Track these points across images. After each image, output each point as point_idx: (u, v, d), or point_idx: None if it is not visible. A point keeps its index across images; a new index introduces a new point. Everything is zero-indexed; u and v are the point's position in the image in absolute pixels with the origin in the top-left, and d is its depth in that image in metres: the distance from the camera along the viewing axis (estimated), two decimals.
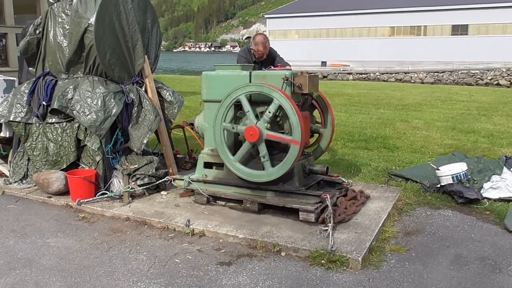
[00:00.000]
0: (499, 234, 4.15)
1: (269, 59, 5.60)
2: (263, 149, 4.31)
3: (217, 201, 4.76)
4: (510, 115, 11.60)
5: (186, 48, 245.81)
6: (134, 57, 5.53)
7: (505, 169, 5.53)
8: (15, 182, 5.40)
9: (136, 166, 5.03)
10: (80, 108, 4.98)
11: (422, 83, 32.05)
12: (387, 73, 36.17)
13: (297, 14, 49.76)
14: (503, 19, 39.79)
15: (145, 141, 5.27)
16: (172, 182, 5.07)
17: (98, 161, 5.03)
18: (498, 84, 30.47)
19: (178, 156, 6.10)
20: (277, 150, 4.52)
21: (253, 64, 5.24)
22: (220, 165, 4.74)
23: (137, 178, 4.98)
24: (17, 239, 4.08)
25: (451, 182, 5.12)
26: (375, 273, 3.43)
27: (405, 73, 35.67)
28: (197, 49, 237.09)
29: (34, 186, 5.27)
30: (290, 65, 5.49)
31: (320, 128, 5.08)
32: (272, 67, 5.24)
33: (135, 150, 5.20)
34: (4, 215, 4.65)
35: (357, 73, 37.11)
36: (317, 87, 4.69)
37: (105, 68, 5.21)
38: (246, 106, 4.35)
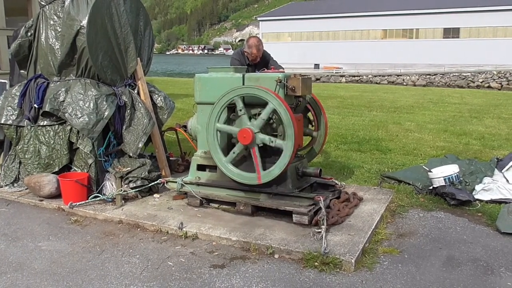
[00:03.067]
0: (491, 236, 4.18)
1: (263, 62, 5.60)
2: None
3: (210, 204, 4.75)
4: (501, 117, 11.69)
5: (179, 51, 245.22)
6: (126, 60, 5.51)
7: (496, 171, 5.57)
8: (6, 185, 5.35)
9: (129, 168, 5.01)
10: (72, 110, 4.95)
11: (414, 85, 32.23)
12: (379, 76, 36.36)
13: (290, 17, 49.96)
14: (493, 22, 40.21)
15: (140, 145, 5.25)
16: (165, 185, 5.05)
17: (91, 164, 5.00)
18: (489, 87, 30.77)
19: (171, 158, 6.08)
20: (270, 152, 4.51)
21: (246, 67, 5.25)
22: (213, 168, 4.73)
23: (130, 181, 4.96)
24: (8, 242, 4.05)
25: (443, 184, 5.15)
26: (368, 275, 3.44)
27: (398, 75, 35.87)
28: (190, 51, 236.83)
29: (26, 189, 5.24)
30: (283, 68, 5.50)
31: (313, 132, 5.10)
32: (266, 70, 5.25)
33: (131, 154, 5.18)
34: None
35: (349, 76, 37.25)
36: (310, 89, 4.70)
37: (97, 70, 5.19)
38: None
